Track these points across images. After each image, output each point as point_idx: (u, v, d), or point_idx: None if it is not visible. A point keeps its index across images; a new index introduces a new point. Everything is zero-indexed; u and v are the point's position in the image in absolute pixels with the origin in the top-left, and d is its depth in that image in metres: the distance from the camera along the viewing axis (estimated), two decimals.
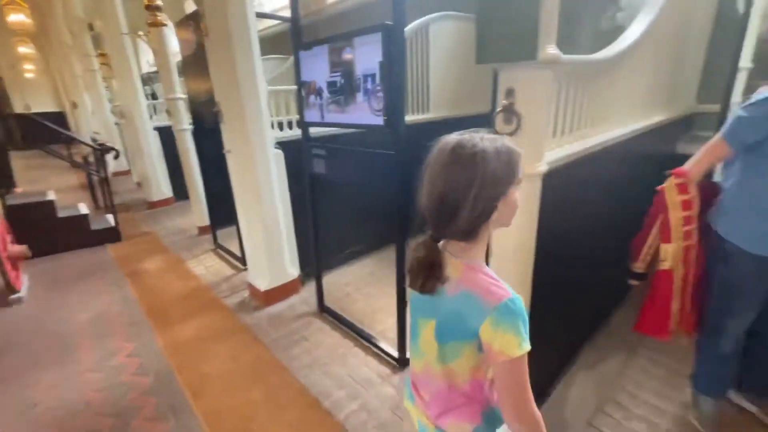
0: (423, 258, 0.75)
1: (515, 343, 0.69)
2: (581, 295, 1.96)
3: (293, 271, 2.95)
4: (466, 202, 0.68)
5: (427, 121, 3.38)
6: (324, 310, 2.71)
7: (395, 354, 2.16)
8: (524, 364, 0.71)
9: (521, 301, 0.71)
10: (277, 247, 2.77)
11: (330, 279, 3.18)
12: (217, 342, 2.46)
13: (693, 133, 2.85)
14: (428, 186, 0.72)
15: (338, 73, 1.89)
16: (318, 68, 2.02)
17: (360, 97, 1.81)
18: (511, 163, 0.71)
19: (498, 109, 1.11)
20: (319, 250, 2.61)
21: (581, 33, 3.02)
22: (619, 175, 1.96)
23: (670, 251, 1.46)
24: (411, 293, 0.84)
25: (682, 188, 1.42)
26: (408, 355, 0.99)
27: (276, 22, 5.36)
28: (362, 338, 2.39)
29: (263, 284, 2.79)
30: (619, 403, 1.82)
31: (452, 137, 0.73)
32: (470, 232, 0.72)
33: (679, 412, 1.76)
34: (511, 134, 1.12)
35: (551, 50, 1.05)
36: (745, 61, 3.27)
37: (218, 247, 3.95)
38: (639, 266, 1.62)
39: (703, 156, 1.41)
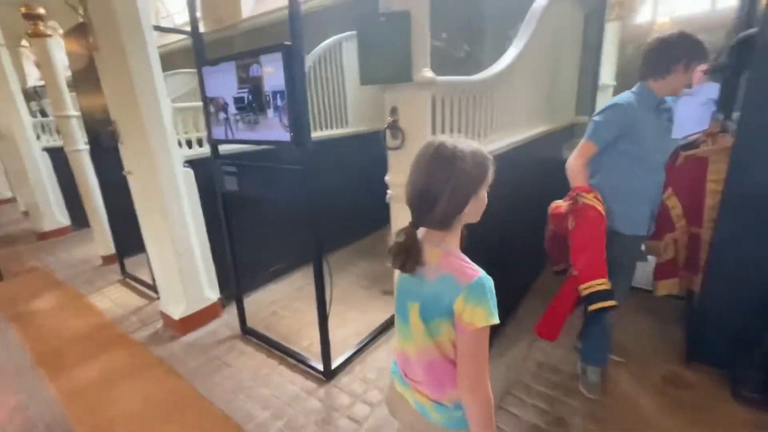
0: (403, 242, 0.84)
1: (483, 315, 0.78)
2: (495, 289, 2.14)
3: (212, 294, 2.81)
4: (444, 195, 0.79)
5: (345, 135, 3.47)
6: (247, 332, 2.61)
7: (320, 367, 2.16)
8: (487, 336, 0.80)
9: (491, 281, 0.81)
10: (191, 271, 2.62)
11: (255, 298, 3.08)
12: (125, 381, 2.24)
13: (574, 140, 3.30)
14: (412, 179, 0.83)
15: (246, 90, 1.89)
16: (224, 84, 1.99)
17: (269, 113, 1.82)
18: (483, 166, 0.82)
19: (385, 126, 1.21)
20: (237, 271, 2.52)
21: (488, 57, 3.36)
22: (512, 179, 2.20)
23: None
24: (399, 279, 0.93)
25: (598, 197, 1.65)
26: (396, 343, 1.03)
27: (183, 36, 5.11)
28: (288, 356, 2.35)
29: (178, 312, 2.61)
30: (523, 383, 2.02)
31: (437, 139, 0.83)
32: (445, 222, 0.83)
33: (572, 384, 2.01)
34: (397, 148, 1.22)
35: (426, 73, 1.18)
36: (608, 79, 3.90)
37: (127, 277, 3.60)
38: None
39: (577, 158, 1.67)
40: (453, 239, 0.87)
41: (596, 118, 1.64)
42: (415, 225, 0.85)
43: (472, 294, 0.78)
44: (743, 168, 1.76)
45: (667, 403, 1.88)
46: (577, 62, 3.17)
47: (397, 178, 1.29)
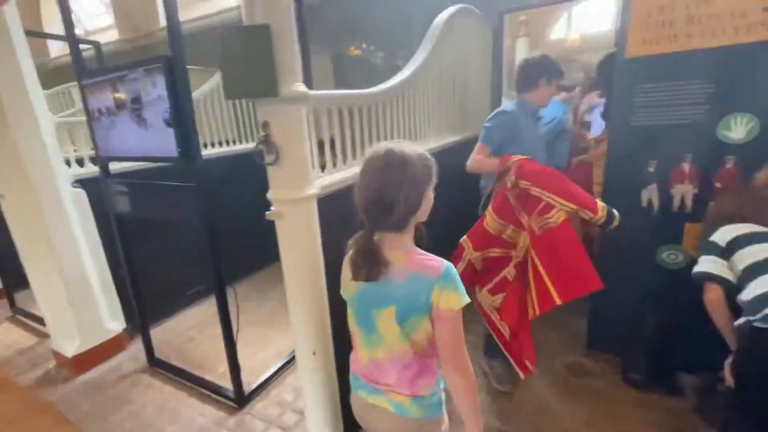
0: (363, 247, 0.87)
1: (456, 298, 0.83)
2: None
3: (115, 325, 2.56)
4: (400, 199, 0.82)
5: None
6: (155, 364, 2.40)
7: (232, 394, 2.03)
8: (461, 318, 0.85)
9: (453, 267, 0.86)
10: (85, 302, 2.36)
11: (171, 324, 2.86)
12: None
13: None
14: (364, 188, 0.85)
15: (130, 103, 1.75)
16: (108, 98, 1.83)
17: (155, 128, 1.69)
18: (429, 167, 0.88)
19: (258, 142, 1.16)
20: (140, 297, 2.32)
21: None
22: None
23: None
24: (356, 292, 0.93)
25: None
26: (357, 353, 1.02)
27: (87, 45, 4.72)
28: (199, 385, 2.19)
29: (71, 348, 2.33)
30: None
31: (381, 146, 0.86)
32: (402, 224, 0.86)
33: (481, 381, 2.07)
34: (272, 164, 1.18)
35: (298, 88, 1.15)
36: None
37: (17, 313, 3.17)
38: None
39: (475, 156, 1.85)
40: (408, 239, 0.91)
41: (487, 124, 1.87)
42: (371, 230, 0.88)
43: (445, 282, 0.83)
44: (614, 170, 1.94)
45: (570, 393, 2.00)
46: (489, 76, 3.35)
47: (278, 195, 1.25)
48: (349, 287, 0.96)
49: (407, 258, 0.87)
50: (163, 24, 5.44)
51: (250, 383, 2.12)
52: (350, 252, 0.91)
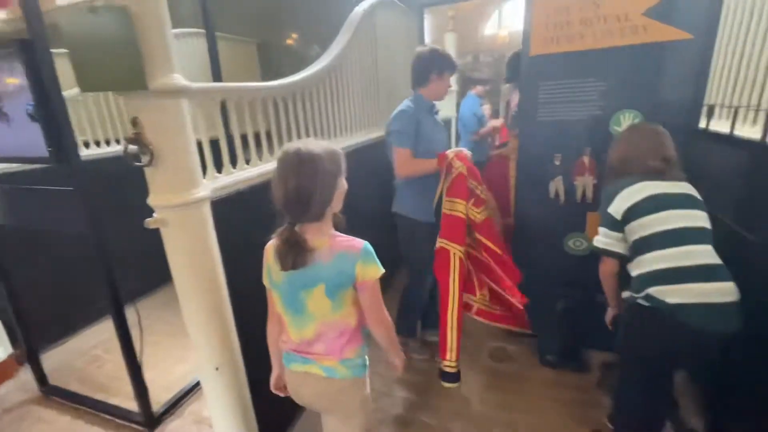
0: (288, 238, 0.96)
1: (375, 269, 1.00)
2: None
3: None
4: (316, 193, 0.93)
5: None
6: (50, 392, 2.12)
7: (140, 417, 1.85)
8: (379, 284, 1.02)
9: (370, 245, 1.01)
10: None
11: (72, 345, 2.55)
12: None
13: None
14: (282, 186, 0.93)
15: None
16: None
17: (18, 123, 1.45)
18: (336, 161, 0.98)
19: (127, 141, 1.02)
20: (24, 317, 2.02)
21: None
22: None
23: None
24: (282, 279, 1.02)
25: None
26: (286, 337, 1.11)
27: None
28: (102, 411, 1.97)
29: None
30: None
31: (291, 146, 0.95)
32: (320, 214, 0.97)
33: (404, 379, 2.10)
34: (147, 165, 1.05)
35: (174, 80, 1.03)
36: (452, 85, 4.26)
37: None
38: None
39: (404, 164, 1.82)
40: (328, 226, 1.02)
41: (395, 128, 1.83)
42: (293, 223, 0.98)
43: (365, 258, 0.99)
44: (524, 163, 2.03)
45: (492, 378, 2.08)
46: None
47: (160, 200, 1.12)
48: (275, 275, 1.04)
49: (331, 242, 1.00)
50: (62, 3, 4.82)
51: (162, 402, 1.94)
52: (275, 244, 0.99)
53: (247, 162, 1.49)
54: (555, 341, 2.13)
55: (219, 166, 1.35)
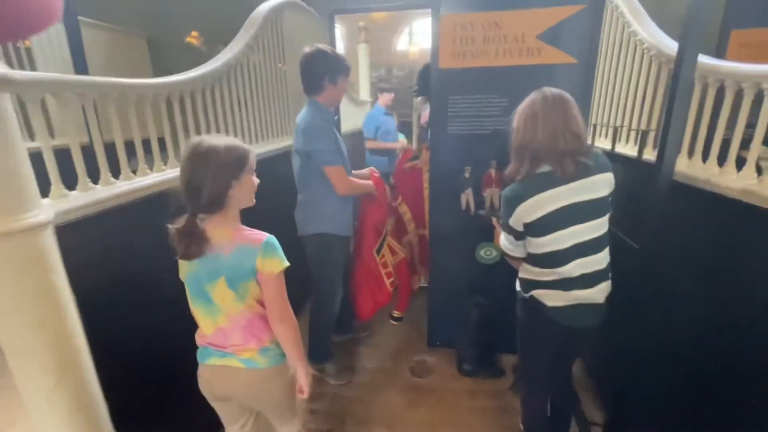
0: (183, 228, 0.96)
1: (277, 263, 1.01)
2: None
3: None
4: (206, 183, 0.94)
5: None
6: None
7: None
8: (283, 279, 1.03)
9: (275, 239, 1.03)
10: None
11: None
12: None
13: None
14: (181, 175, 0.97)
15: None
16: None
17: None
18: (238, 156, 0.98)
19: None
20: None
21: None
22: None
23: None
24: (188, 273, 1.03)
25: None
26: (201, 331, 1.09)
27: None
28: None
29: None
30: None
31: (194, 139, 0.97)
32: (215, 205, 0.97)
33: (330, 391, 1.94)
34: None
35: None
36: (365, 95, 4.25)
37: None
38: None
39: (341, 181, 1.73)
40: (232, 218, 1.03)
41: (318, 147, 1.69)
42: (193, 213, 0.97)
43: (266, 251, 1.00)
44: (436, 175, 2.04)
45: (414, 395, 2.03)
46: None
47: None
48: (183, 269, 1.05)
49: (234, 234, 1.01)
50: None
51: None
52: (172, 231, 0.97)
53: (117, 176, 1.21)
54: (471, 350, 2.16)
55: (95, 179, 1.09)
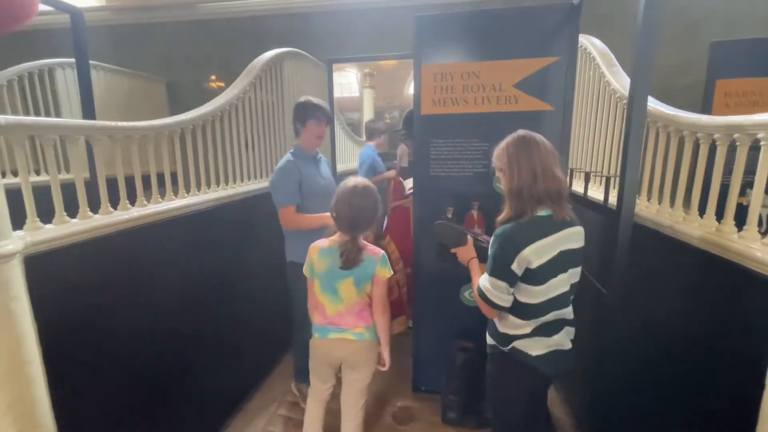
0: (351, 248, 1.41)
1: (387, 271, 1.47)
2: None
3: None
4: (374, 218, 1.45)
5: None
6: None
7: None
8: (387, 282, 1.50)
9: (385, 253, 1.49)
10: None
11: None
12: None
13: None
14: (347, 208, 1.40)
15: None
16: None
17: None
18: (375, 198, 1.47)
19: None
20: None
21: None
22: (217, 237, 1.98)
23: None
24: (323, 271, 1.46)
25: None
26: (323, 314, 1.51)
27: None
28: None
29: None
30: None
31: (351, 180, 1.45)
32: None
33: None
34: None
35: None
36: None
37: None
38: None
39: (291, 220, 1.85)
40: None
41: (273, 186, 1.86)
42: (354, 237, 1.42)
43: (383, 262, 1.46)
44: (420, 216, 2.07)
45: None
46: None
47: None
48: (319, 268, 1.46)
49: (363, 248, 1.44)
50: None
51: None
52: (333, 247, 1.43)
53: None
54: (455, 397, 2.07)
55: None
